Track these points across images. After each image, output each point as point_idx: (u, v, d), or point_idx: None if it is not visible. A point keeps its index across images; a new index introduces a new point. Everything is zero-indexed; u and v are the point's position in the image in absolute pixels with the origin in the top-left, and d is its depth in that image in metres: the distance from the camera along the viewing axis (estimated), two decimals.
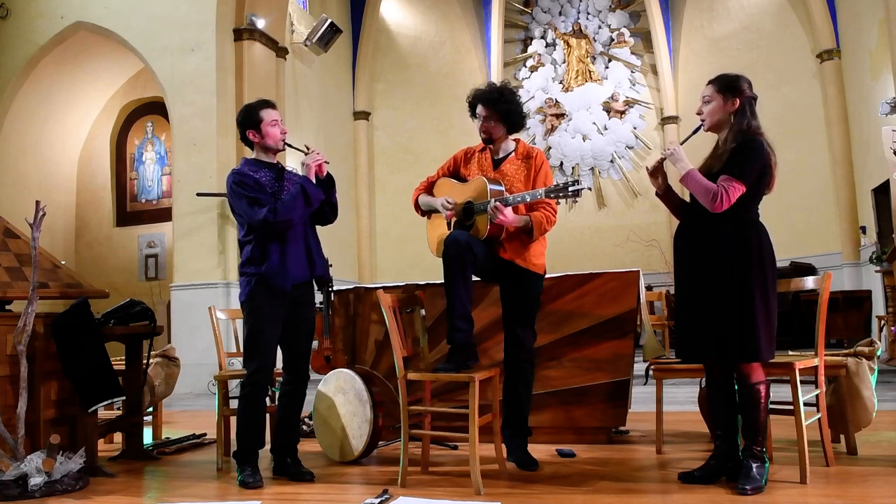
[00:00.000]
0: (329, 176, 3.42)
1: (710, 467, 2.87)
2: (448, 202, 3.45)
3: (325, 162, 3.41)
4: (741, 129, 2.80)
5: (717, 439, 2.93)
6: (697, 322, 2.82)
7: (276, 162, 3.46)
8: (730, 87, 2.84)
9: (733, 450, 2.86)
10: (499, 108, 3.43)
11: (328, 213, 3.48)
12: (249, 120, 3.36)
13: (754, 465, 2.73)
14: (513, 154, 3.51)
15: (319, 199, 3.33)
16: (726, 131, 2.86)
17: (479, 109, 3.48)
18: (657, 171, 2.99)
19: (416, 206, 3.69)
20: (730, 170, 2.74)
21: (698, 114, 2.92)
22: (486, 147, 3.56)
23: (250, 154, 3.48)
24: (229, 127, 7.95)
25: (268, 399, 3.47)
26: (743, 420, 2.82)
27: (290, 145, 3.43)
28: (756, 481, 2.68)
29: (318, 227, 3.51)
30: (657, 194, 3.03)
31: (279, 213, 3.20)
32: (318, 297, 4.50)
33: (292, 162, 3.52)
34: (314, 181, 3.33)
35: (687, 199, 3.02)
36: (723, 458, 2.87)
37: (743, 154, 2.76)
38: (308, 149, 3.40)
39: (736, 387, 2.87)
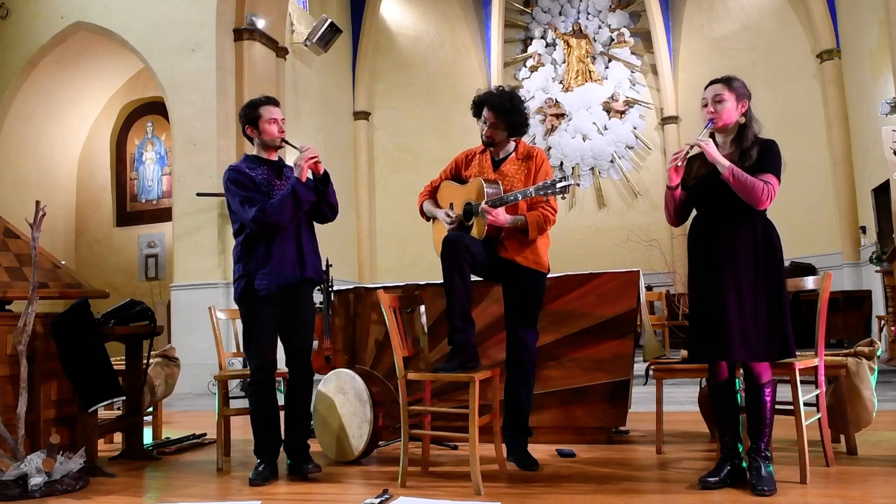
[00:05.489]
0: (326, 174, 3.36)
1: (729, 472, 2.83)
2: (449, 215, 3.45)
3: (314, 159, 3.29)
4: (756, 133, 2.86)
5: (726, 443, 2.88)
6: (720, 322, 2.75)
7: (276, 159, 3.46)
8: (740, 90, 2.86)
9: (738, 451, 2.86)
10: (509, 118, 3.41)
11: (326, 212, 3.43)
12: (248, 116, 3.37)
13: (763, 466, 2.73)
14: (513, 154, 3.50)
15: (309, 200, 3.29)
16: (732, 133, 2.88)
17: (487, 114, 3.43)
18: (683, 164, 2.89)
19: (422, 212, 3.71)
20: (766, 169, 2.78)
21: (709, 111, 2.85)
22: (486, 148, 3.55)
23: (252, 151, 3.47)
24: (229, 127, 7.97)
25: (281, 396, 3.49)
26: (750, 420, 2.80)
27: (287, 142, 3.40)
28: (771, 482, 2.68)
29: (318, 226, 3.50)
30: (672, 187, 2.91)
31: (267, 215, 3.20)
32: (319, 297, 4.51)
33: (293, 158, 3.47)
34: (311, 179, 3.31)
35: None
36: (734, 460, 2.85)
37: (774, 155, 2.82)
38: (302, 148, 3.33)
39: (738, 388, 2.86)
